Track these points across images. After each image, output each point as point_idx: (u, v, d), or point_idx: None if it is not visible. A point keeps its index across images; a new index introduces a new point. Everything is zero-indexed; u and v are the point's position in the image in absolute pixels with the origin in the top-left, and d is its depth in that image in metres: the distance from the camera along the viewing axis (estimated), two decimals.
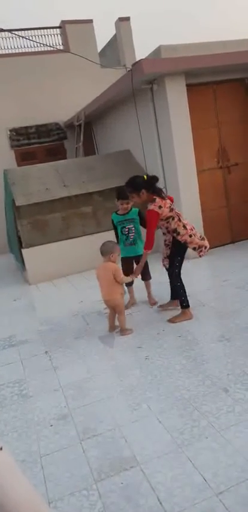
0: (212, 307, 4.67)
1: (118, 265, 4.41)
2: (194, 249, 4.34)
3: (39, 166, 8.09)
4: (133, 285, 5.07)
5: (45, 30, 11.61)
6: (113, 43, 12.44)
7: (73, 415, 3.01)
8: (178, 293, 4.44)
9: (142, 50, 8.81)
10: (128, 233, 4.87)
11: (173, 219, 4.29)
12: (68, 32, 11.54)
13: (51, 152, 11.15)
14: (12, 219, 7.55)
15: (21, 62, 11.04)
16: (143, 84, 6.78)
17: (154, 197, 4.23)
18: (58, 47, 11.35)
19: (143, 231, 4.70)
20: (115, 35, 12.27)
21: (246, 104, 7.48)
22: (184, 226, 4.31)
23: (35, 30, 11.39)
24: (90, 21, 11.86)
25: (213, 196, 7.30)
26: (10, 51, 11.36)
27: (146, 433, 2.66)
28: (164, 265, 4.62)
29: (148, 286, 5.06)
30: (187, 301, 4.41)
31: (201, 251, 4.35)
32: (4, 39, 11.33)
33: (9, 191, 7.39)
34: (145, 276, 5.01)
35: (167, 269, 4.61)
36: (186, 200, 6.81)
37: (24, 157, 10.95)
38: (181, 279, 4.44)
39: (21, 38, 10.35)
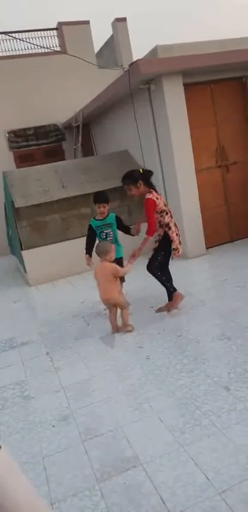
0: (213, 306, 4.67)
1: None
2: (173, 248, 4.56)
3: (38, 167, 8.09)
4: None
5: (42, 32, 11.61)
6: (110, 44, 12.45)
7: (75, 415, 3.01)
8: (162, 282, 4.62)
9: (139, 50, 8.82)
10: (106, 237, 4.85)
11: (167, 213, 4.53)
12: (65, 34, 11.55)
13: (49, 153, 11.16)
14: (13, 221, 7.55)
15: (19, 64, 11.05)
16: (140, 84, 6.78)
17: (151, 189, 4.52)
18: (55, 49, 11.35)
19: (121, 235, 4.95)
20: (112, 36, 12.28)
21: (244, 103, 7.48)
22: (175, 224, 4.59)
23: (32, 32, 11.39)
24: (87, 22, 11.87)
25: (212, 195, 7.31)
26: (7, 54, 11.37)
27: (148, 432, 2.67)
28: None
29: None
30: (173, 285, 4.64)
31: (175, 254, 4.60)
32: (1, 41, 11.33)
33: (9, 193, 7.40)
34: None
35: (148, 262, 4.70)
36: (185, 199, 6.81)
37: (23, 159, 10.96)
38: (160, 270, 4.61)
39: (18, 40, 10.35)
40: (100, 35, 12.54)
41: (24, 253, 7.11)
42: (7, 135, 10.98)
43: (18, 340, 4.71)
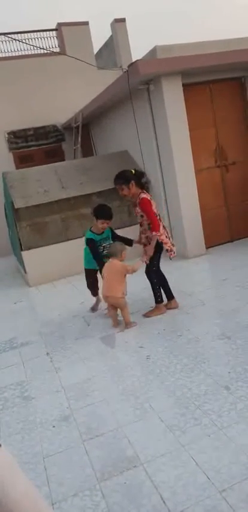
0: (213, 306, 4.68)
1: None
2: (167, 250, 4.62)
3: (38, 168, 8.09)
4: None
5: (41, 32, 11.62)
6: (109, 44, 12.46)
7: (75, 416, 3.02)
8: (154, 289, 4.67)
9: (138, 50, 8.82)
10: (103, 251, 4.84)
11: (156, 216, 4.54)
12: (64, 34, 11.56)
13: (49, 154, 11.16)
14: (13, 222, 7.56)
15: (18, 65, 11.06)
16: (139, 84, 6.79)
17: (143, 190, 4.58)
18: (54, 50, 11.36)
19: None
20: (111, 36, 12.29)
21: (243, 103, 7.49)
22: (164, 227, 4.65)
23: (32, 33, 11.40)
24: (86, 23, 11.88)
25: (211, 195, 7.31)
26: (7, 55, 11.37)
27: (148, 432, 2.67)
28: (144, 261, 4.65)
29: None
30: (161, 296, 4.70)
31: (171, 254, 4.67)
32: (1, 42, 11.34)
33: (8, 194, 7.40)
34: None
35: (146, 266, 4.71)
36: (185, 199, 6.82)
37: (23, 160, 10.96)
38: (157, 276, 4.68)
39: (17, 41, 10.35)
40: (99, 36, 12.56)
41: (24, 253, 7.12)
42: (7, 136, 10.98)
43: (18, 341, 4.71)
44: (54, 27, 11.83)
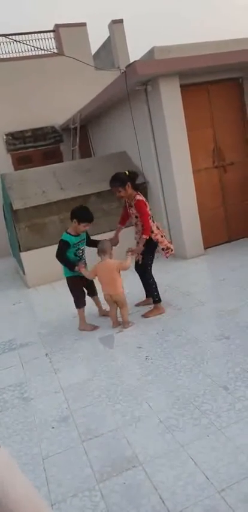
0: (211, 306, 4.69)
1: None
2: (162, 249, 4.70)
3: (36, 169, 8.08)
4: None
5: (39, 34, 11.62)
6: (107, 45, 12.47)
7: (74, 416, 3.02)
8: (151, 289, 4.74)
9: (136, 51, 8.83)
10: (82, 254, 4.72)
11: (150, 217, 4.62)
12: (62, 36, 11.57)
13: (47, 155, 11.17)
14: (11, 223, 7.56)
15: (16, 66, 11.06)
16: (137, 85, 6.79)
17: (138, 192, 4.64)
18: (52, 51, 11.36)
19: (87, 250, 4.84)
20: (109, 37, 12.30)
21: (240, 103, 7.51)
22: (157, 227, 4.72)
23: (29, 35, 11.40)
24: (84, 24, 11.89)
25: (210, 195, 7.32)
26: (5, 56, 11.38)
27: (147, 432, 2.67)
28: (137, 260, 4.78)
29: (96, 301, 5.01)
30: (159, 296, 4.72)
31: (168, 252, 4.73)
32: None
33: (7, 195, 7.40)
34: (93, 291, 4.95)
35: (139, 265, 4.81)
36: (183, 200, 6.83)
37: (21, 161, 10.96)
38: (152, 276, 4.76)
39: (15, 42, 10.36)
40: (97, 36, 12.56)
41: (22, 255, 7.12)
42: (5, 137, 10.98)
43: (17, 342, 4.71)
44: (51, 28, 11.83)
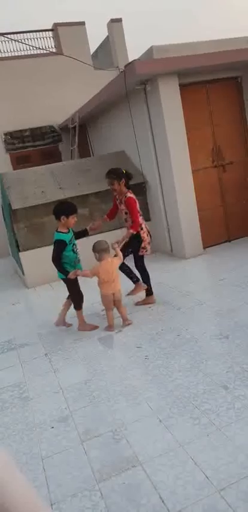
0: (210, 306, 4.69)
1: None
2: (142, 247, 4.92)
3: (35, 169, 8.08)
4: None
5: (37, 33, 11.60)
6: (105, 45, 12.46)
7: (74, 416, 3.02)
8: (147, 281, 5.05)
9: (135, 50, 8.82)
10: (77, 250, 4.64)
11: (140, 215, 4.89)
12: (61, 35, 11.55)
13: (46, 155, 11.15)
14: (10, 223, 7.55)
15: (14, 65, 11.04)
16: (136, 85, 6.79)
17: (130, 190, 4.91)
18: (51, 50, 11.35)
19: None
20: (107, 37, 12.29)
21: (239, 102, 7.51)
22: (146, 226, 4.98)
23: (28, 34, 11.38)
24: (82, 23, 11.88)
25: (209, 195, 7.32)
26: (3, 55, 11.35)
27: (147, 432, 2.68)
28: (116, 247, 4.92)
29: (68, 305, 4.91)
30: (135, 276, 5.02)
31: (143, 251, 4.96)
32: None
33: (5, 195, 7.39)
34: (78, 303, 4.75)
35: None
36: (182, 199, 6.83)
37: (20, 161, 10.95)
38: (146, 269, 5.06)
39: (14, 41, 10.34)
40: (96, 35, 12.54)
41: (21, 255, 7.11)
42: (3, 136, 10.97)
43: (16, 342, 4.71)
44: (50, 26, 11.81)
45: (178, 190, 6.80)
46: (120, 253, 4.58)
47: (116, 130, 8.55)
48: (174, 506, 2.06)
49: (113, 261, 4.51)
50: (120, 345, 4.11)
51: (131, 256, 4.97)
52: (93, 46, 12.64)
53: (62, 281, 4.77)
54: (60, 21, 11.70)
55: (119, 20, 11.96)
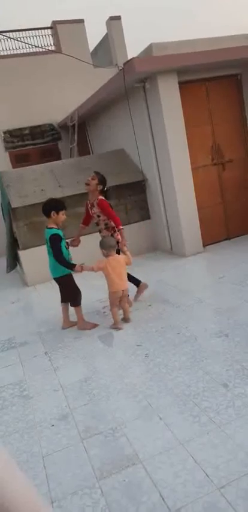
0: (210, 304, 4.69)
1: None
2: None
3: (34, 167, 8.07)
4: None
5: (36, 31, 11.57)
6: (105, 42, 12.43)
7: (74, 414, 3.02)
8: (132, 278, 5.09)
9: (134, 47, 8.81)
10: (68, 247, 4.67)
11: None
12: (60, 33, 11.52)
13: (45, 153, 11.14)
14: (10, 221, 7.54)
15: (14, 63, 11.01)
16: (135, 82, 6.78)
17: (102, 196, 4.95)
18: (50, 48, 11.32)
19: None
20: (106, 34, 12.26)
21: (239, 100, 7.50)
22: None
23: (26, 32, 11.35)
24: (81, 21, 11.84)
25: (208, 193, 7.32)
26: (2, 53, 11.33)
27: (147, 430, 2.68)
28: (125, 249, 5.06)
29: (66, 308, 4.85)
30: (137, 279, 5.15)
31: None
32: None
33: (5, 194, 7.39)
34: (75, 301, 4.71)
35: None
36: (182, 197, 6.83)
37: (19, 159, 10.93)
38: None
39: (12, 39, 10.31)
40: (96, 32, 12.50)
41: (21, 253, 7.11)
42: (3, 135, 10.95)
43: (16, 340, 4.71)
44: (49, 24, 11.79)
45: (178, 189, 6.80)
46: (129, 255, 4.62)
47: (115, 128, 8.54)
48: (174, 504, 2.07)
49: (120, 257, 4.56)
50: (120, 342, 4.12)
51: None
52: (93, 43, 12.62)
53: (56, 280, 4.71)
54: (60, 18, 11.68)
55: (118, 18, 11.93)
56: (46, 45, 11.45)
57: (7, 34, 9.99)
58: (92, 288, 5.45)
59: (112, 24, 11.90)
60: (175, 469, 2.29)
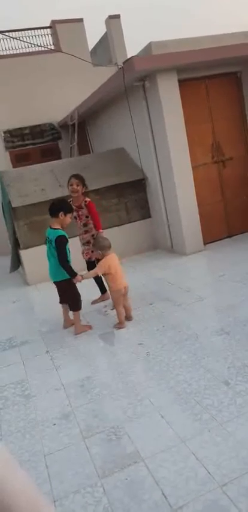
0: (211, 302, 4.69)
1: None
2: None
3: (34, 167, 8.08)
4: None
5: (36, 30, 11.57)
6: (104, 41, 12.42)
7: (76, 413, 3.03)
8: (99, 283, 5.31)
9: (133, 45, 8.79)
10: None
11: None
12: (59, 32, 11.51)
13: (45, 153, 11.14)
14: (11, 221, 7.55)
15: (13, 63, 11.01)
16: (135, 81, 6.77)
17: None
18: (49, 47, 11.31)
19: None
20: (106, 33, 12.25)
21: (239, 97, 7.49)
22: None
23: (26, 31, 11.35)
24: (81, 20, 11.84)
25: (209, 190, 7.32)
26: (1, 53, 11.33)
27: (149, 428, 2.68)
28: (84, 257, 5.43)
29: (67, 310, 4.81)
30: (105, 287, 5.21)
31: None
32: None
33: (6, 193, 7.39)
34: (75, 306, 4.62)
35: (87, 262, 5.42)
36: (182, 195, 6.83)
37: (19, 159, 10.93)
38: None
39: (12, 39, 10.31)
40: (95, 31, 12.49)
41: (22, 252, 7.12)
42: (3, 134, 10.95)
43: (18, 340, 4.72)
44: (48, 23, 11.78)
45: (178, 187, 6.80)
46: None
47: (115, 127, 8.54)
48: (176, 502, 2.07)
49: (114, 256, 4.55)
50: (121, 341, 4.12)
51: None
52: (92, 42, 12.62)
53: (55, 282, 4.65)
54: (59, 18, 11.68)
55: (117, 17, 11.92)
56: (45, 44, 11.44)
57: (7, 34, 9.98)
58: (92, 288, 5.44)
59: (112, 23, 11.89)
60: (177, 467, 2.30)
